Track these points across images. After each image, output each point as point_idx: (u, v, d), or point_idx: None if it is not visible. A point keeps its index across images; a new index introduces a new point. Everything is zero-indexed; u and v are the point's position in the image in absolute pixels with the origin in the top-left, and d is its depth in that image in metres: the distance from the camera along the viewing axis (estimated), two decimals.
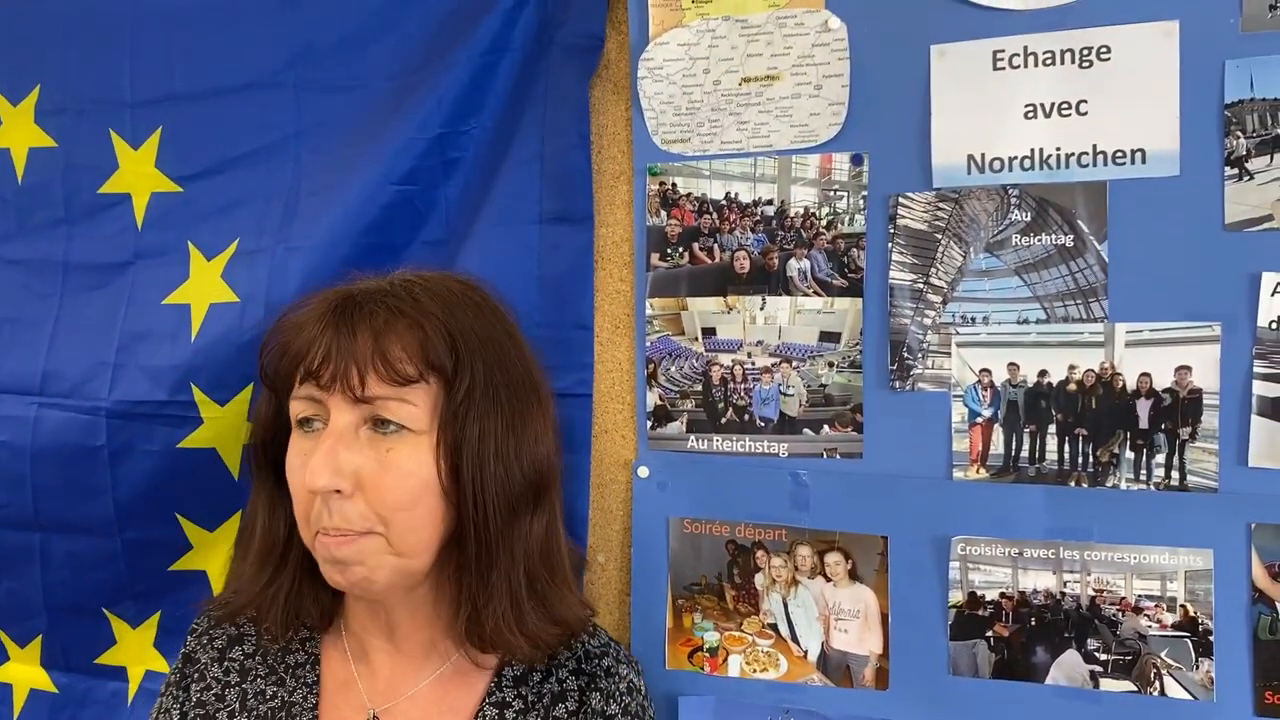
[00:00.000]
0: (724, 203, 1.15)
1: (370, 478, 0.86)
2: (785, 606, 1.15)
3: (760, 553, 1.15)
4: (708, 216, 1.16)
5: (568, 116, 1.20)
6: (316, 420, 0.88)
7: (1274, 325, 0.98)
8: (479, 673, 0.96)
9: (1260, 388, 0.99)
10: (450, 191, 1.23)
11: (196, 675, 1.00)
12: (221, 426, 1.32)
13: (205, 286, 1.32)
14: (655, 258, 1.18)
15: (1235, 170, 0.99)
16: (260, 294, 1.28)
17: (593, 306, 1.20)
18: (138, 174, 1.36)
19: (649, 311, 1.18)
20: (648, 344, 1.18)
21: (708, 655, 1.17)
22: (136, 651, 1.42)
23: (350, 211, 1.24)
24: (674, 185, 1.17)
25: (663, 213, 1.17)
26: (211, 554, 1.39)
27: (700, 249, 1.17)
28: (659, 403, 1.19)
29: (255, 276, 1.29)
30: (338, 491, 0.85)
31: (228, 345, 1.30)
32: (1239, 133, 0.98)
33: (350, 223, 1.24)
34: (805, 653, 1.14)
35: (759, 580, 1.15)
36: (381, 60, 1.26)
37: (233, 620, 1.01)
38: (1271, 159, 0.98)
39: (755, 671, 1.15)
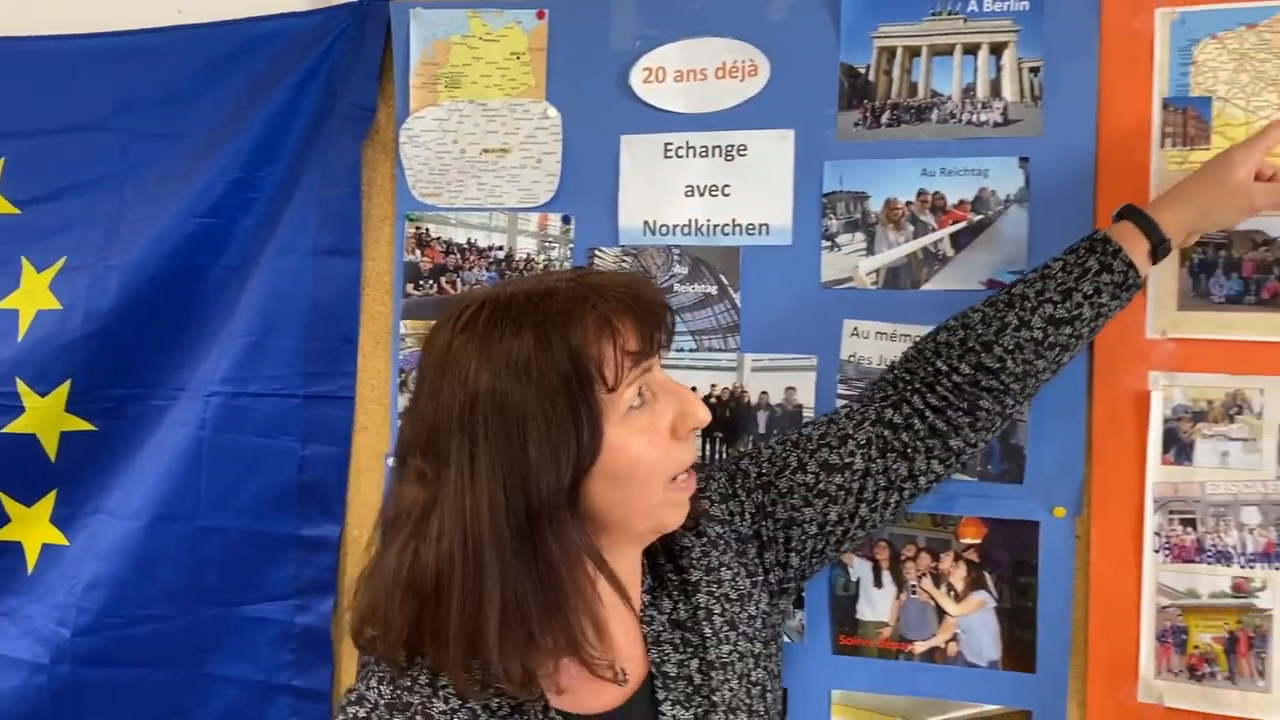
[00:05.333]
0: (465, 246, 1.45)
1: None
2: None
3: None
4: (453, 256, 1.45)
5: (343, 170, 1.47)
6: (641, 395, 0.93)
7: (851, 359, 1.31)
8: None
9: (841, 404, 1.32)
10: (246, 225, 1.50)
11: (420, 718, 0.91)
12: (41, 416, 1.55)
13: (34, 295, 1.56)
14: (410, 287, 1.46)
15: (829, 243, 1.32)
16: (80, 304, 1.53)
17: (358, 325, 1.48)
18: None
19: (403, 330, 1.46)
20: (401, 357, 1.46)
21: None
22: None
23: (160, 237, 1.49)
24: (427, 230, 1.46)
25: (417, 251, 1.46)
26: (27, 528, 1.59)
27: (446, 282, 1.45)
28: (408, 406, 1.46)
29: (77, 289, 1.53)
30: None
31: (50, 345, 1.54)
32: (832, 215, 1.32)
33: (159, 247, 1.49)
34: None
35: None
36: (197, 114, 1.52)
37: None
38: (853, 236, 1.31)
39: None
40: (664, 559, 1.06)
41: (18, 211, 1.59)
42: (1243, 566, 1.20)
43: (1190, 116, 1.22)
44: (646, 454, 0.92)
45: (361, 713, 0.91)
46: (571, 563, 0.90)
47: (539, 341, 0.88)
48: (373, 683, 0.93)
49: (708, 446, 1.36)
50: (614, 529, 0.96)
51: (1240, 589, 1.20)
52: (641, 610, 1.02)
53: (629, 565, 1.01)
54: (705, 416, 0.93)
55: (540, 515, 0.88)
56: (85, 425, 1.55)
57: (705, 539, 1.08)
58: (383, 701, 0.92)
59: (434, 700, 0.92)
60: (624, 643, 0.99)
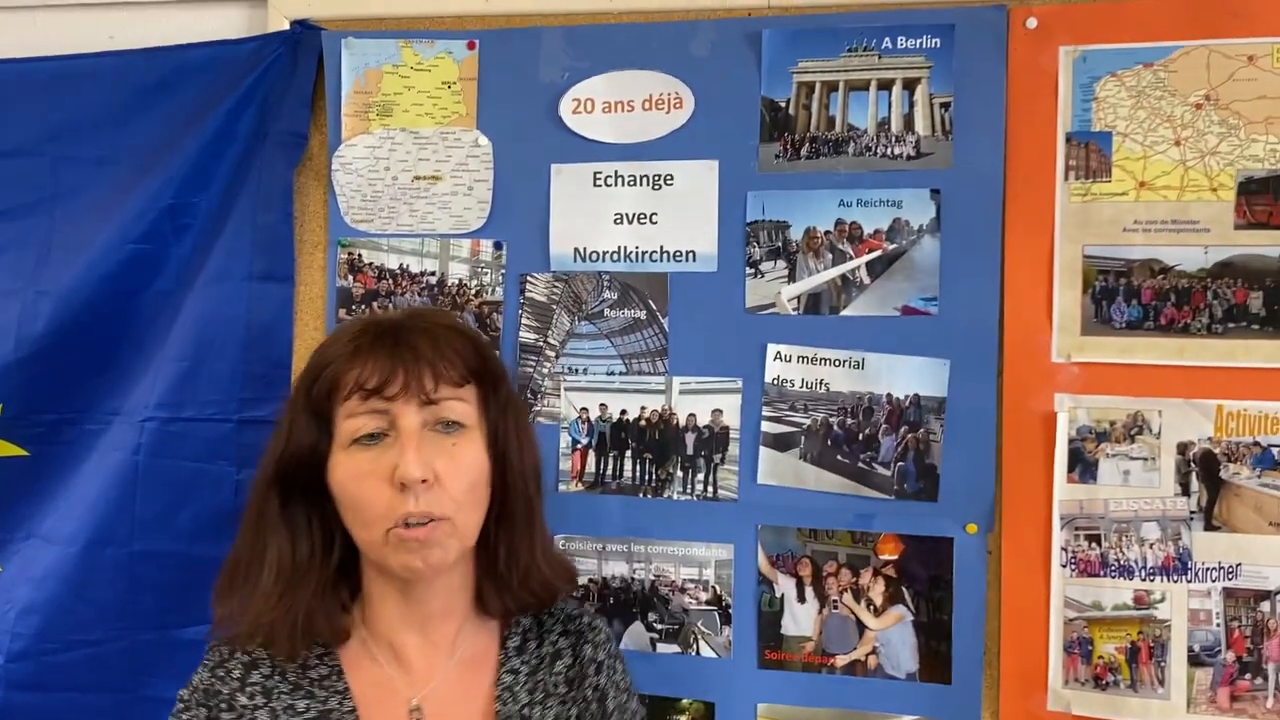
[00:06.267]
0: (398, 272, 1.47)
1: (445, 470, 0.98)
2: None
3: None
4: (385, 281, 1.47)
5: (277, 196, 1.48)
6: (379, 432, 0.99)
7: (775, 382, 1.36)
8: (489, 649, 1.10)
9: (766, 426, 1.36)
10: (180, 251, 1.50)
11: (224, 706, 1.01)
12: None
13: None
14: (343, 313, 1.48)
15: (753, 270, 1.36)
16: (12, 329, 1.52)
17: (291, 350, 1.49)
18: None
19: None
20: None
21: None
22: None
23: (93, 263, 1.49)
24: (360, 256, 1.48)
25: (350, 277, 1.48)
26: None
27: (379, 307, 1.47)
28: None
29: (9, 314, 1.52)
30: (424, 481, 0.96)
31: None
32: (755, 243, 1.36)
33: (92, 272, 1.49)
34: None
35: None
36: (130, 140, 1.52)
37: (247, 642, 1.04)
38: (775, 263, 1.36)
39: None
40: (543, 637, 1.13)
41: None
42: (1143, 580, 1.26)
43: (1092, 150, 1.28)
44: (349, 486, 1.00)
45: (185, 693, 1.04)
46: (260, 531, 1.04)
47: (318, 352, 1.06)
48: (200, 671, 1.05)
49: (638, 467, 1.40)
50: (365, 556, 1.05)
51: (1141, 601, 1.26)
52: (502, 663, 1.09)
53: (426, 605, 1.05)
54: (410, 474, 0.96)
55: (259, 485, 1.05)
56: (18, 450, 1.55)
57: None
58: (201, 687, 1.03)
59: (239, 694, 1.02)
60: (428, 676, 1.06)
